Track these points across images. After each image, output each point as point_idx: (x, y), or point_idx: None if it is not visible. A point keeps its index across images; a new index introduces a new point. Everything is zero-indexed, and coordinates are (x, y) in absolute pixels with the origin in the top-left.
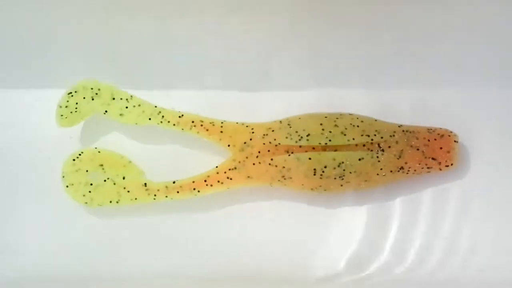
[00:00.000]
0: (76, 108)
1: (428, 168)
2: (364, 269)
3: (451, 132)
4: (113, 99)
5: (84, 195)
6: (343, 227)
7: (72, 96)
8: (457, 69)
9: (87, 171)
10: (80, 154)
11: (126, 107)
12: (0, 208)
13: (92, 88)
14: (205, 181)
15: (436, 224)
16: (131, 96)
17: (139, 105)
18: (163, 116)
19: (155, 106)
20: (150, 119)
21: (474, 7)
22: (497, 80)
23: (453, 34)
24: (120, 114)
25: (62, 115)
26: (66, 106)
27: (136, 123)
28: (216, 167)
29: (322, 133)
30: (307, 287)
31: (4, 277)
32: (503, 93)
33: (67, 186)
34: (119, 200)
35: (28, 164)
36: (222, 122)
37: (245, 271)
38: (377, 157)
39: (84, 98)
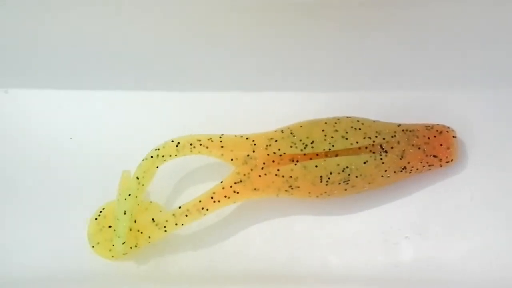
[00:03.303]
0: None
1: (429, 165)
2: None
3: (448, 127)
4: (129, 195)
5: (110, 250)
6: (344, 229)
7: (98, 244)
8: (448, 69)
9: (110, 226)
10: (101, 212)
11: (139, 183)
12: (0, 207)
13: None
14: (212, 197)
15: (438, 221)
16: (137, 177)
17: (144, 171)
18: (163, 156)
19: (151, 157)
20: (157, 167)
21: (471, 9)
22: (489, 80)
23: (450, 35)
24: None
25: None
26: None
27: (152, 178)
28: (221, 182)
29: (325, 139)
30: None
31: (4, 277)
32: (494, 92)
33: (93, 246)
34: (137, 244)
35: (29, 164)
36: (220, 137)
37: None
38: (381, 159)
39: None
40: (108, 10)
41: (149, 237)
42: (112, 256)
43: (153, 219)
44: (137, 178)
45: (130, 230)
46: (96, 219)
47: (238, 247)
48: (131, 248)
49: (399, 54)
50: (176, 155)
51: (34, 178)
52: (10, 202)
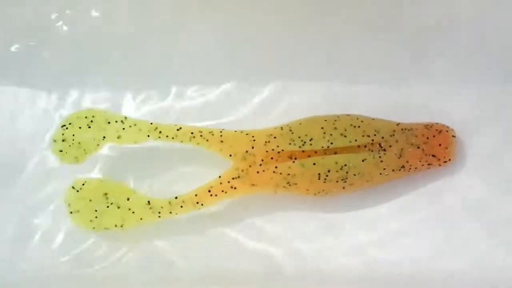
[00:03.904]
0: (73, 140)
1: (428, 165)
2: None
3: (448, 127)
4: (108, 123)
5: (91, 221)
6: (343, 228)
7: (67, 128)
8: (448, 68)
9: (90, 200)
10: (83, 184)
11: (123, 129)
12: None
13: (86, 117)
14: (209, 191)
15: (436, 220)
16: (125, 117)
17: (135, 125)
18: (160, 132)
19: (151, 123)
20: (148, 136)
21: (471, 8)
22: (489, 79)
23: (450, 33)
24: (118, 137)
25: (61, 151)
26: (63, 140)
27: (135, 142)
28: (219, 177)
29: (324, 137)
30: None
31: (4, 277)
32: (494, 91)
33: (71, 212)
34: (123, 224)
35: (27, 164)
36: (221, 131)
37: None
38: (379, 157)
39: (80, 128)
40: (106, 9)
41: (141, 219)
42: (93, 228)
43: (148, 202)
44: (122, 122)
45: (119, 208)
46: (77, 191)
47: (234, 244)
48: (115, 226)
49: (399, 52)
50: (173, 138)
51: (33, 177)
52: (9, 202)
